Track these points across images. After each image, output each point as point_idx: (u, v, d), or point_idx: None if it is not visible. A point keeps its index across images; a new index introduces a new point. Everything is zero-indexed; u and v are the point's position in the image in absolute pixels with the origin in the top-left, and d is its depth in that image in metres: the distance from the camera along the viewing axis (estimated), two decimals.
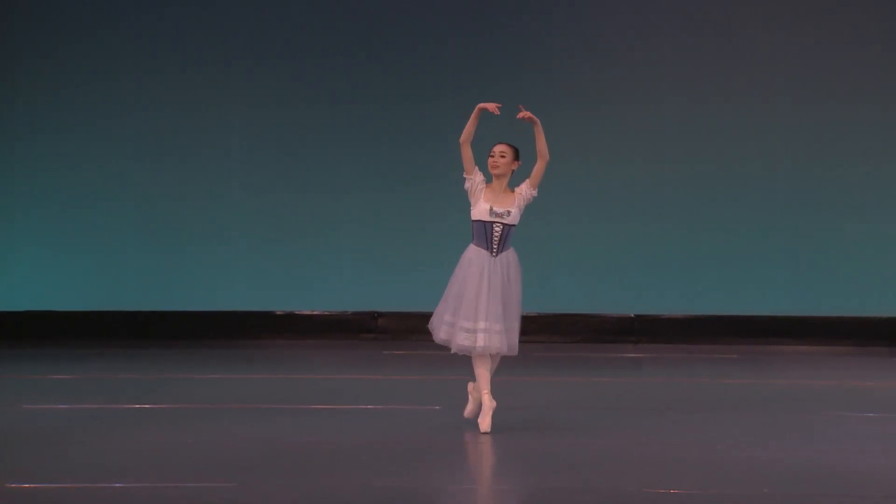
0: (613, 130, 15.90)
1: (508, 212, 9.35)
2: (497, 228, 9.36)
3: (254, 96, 16.11)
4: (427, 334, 16.69)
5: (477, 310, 9.35)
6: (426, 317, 16.49)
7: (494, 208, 9.35)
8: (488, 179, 9.49)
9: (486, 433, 9.36)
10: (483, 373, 9.48)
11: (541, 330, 16.03)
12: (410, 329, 16.27)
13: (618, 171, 15.85)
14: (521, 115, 9.44)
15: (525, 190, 9.45)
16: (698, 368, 14.03)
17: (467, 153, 9.40)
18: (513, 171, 9.45)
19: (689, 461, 8.59)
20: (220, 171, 16.20)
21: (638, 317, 16.09)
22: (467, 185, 9.44)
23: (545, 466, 8.50)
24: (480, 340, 9.36)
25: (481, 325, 9.35)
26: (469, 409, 9.77)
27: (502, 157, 9.40)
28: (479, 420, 9.50)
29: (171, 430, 9.60)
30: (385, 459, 8.68)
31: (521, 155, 9.49)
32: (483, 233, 9.39)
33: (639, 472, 8.30)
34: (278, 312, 16.29)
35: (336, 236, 16.20)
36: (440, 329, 9.55)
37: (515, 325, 9.50)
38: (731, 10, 15.81)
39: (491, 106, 9.29)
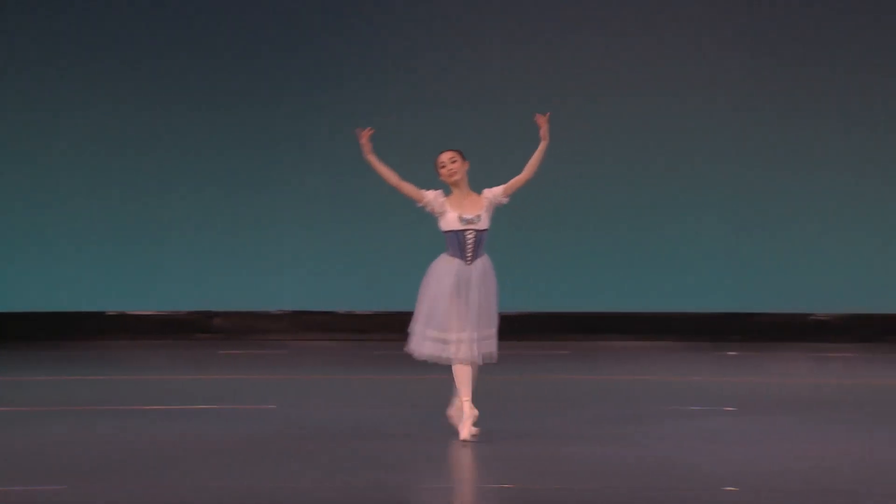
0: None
1: (478, 216, 9.21)
2: (469, 235, 9.22)
3: (80, 97, 15.97)
4: (263, 334, 16.61)
5: (452, 319, 9.20)
6: (262, 316, 16.56)
7: (464, 215, 9.21)
8: (447, 191, 9.32)
9: (465, 441, 9.16)
10: (464, 381, 9.28)
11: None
12: (246, 328, 16.27)
13: None
14: (541, 121, 9.35)
15: (497, 196, 9.31)
16: (532, 364, 14.21)
17: (406, 188, 9.23)
18: (466, 172, 9.32)
19: (527, 458, 8.74)
20: (47, 171, 16.05)
21: None
22: (427, 209, 9.29)
23: (389, 463, 8.61)
24: (458, 350, 9.20)
25: (454, 335, 9.20)
26: (452, 411, 9.54)
27: (453, 163, 9.26)
28: (459, 427, 9.28)
29: (1, 433, 9.49)
30: (220, 460, 8.67)
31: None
32: (456, 242, 9.24)
33: (473, 470, 8.49)
34: (109, 313, 16.17)
35: (170, 236, 16.12)
36: (423, 346, 9.32)
37: (493, 332, 9.31)
38: (623, 10, 16.07)
39: (363, 140, 9.20)
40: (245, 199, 16.15)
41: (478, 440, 9.18)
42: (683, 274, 16.01)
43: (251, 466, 8.46)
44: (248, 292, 16.13)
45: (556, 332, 15.98)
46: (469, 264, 9.23)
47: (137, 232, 16.13)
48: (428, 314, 9.28)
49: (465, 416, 9.23)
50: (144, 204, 16.12)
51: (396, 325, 16.14)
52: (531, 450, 8.97)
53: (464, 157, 9.30)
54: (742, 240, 16.00)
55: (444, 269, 9.25)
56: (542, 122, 9.35)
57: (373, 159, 9.23)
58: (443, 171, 9.28)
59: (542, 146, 9.36)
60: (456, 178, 9.23)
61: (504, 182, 9.33)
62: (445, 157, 9.29)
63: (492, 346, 9.28)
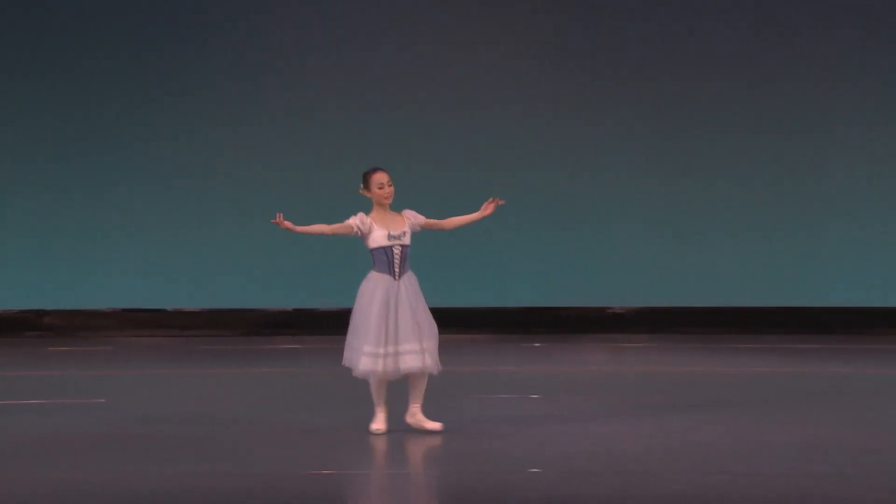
0: None
1: (404, 232, 9.36)
2: (397, 251, 9.34)
3: None
4: (92, 331, 16.54)
5: (386, 334, 9.29)
6: (93, 314, 16.45)
7: (391, 232, 9.33)
8: (367, 209, 9.44)
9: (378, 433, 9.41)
10: (379, 392, 9.46)
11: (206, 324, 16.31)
12: (76, 326, 16.25)
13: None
14: (491, 206, 9.60)
15: (417, 223, 9.47)
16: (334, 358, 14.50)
17: (338, 230, 9.37)
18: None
19: (347, 443, 9.08)
20: None
21: (296, 311, 16.49)
22: (358, 234, 9.38)
23: (214, 454, 8.92)
24: (385, 364, 9.29)
25: (382, 350, 9.28)
26: (408, 418, 9.65)
27: (391, 185, 9.41)
28: (424, 425, 9.51)
29: None
30: (51, 453, 8.76)
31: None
32: (385, 258, 9.35)
33: (301, 453, 8.81)
34: None
35: (0, 237, 16.06)
36: (359, 361, 9.36)
37: (433, 344, 9.43)
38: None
39: (284, 225, 9.32)
40: (75, 199, 16.12)
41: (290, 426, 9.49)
42: (490, 270, 16.30)
43: (82, 458, 8.58)
44: (77, 291, 16.09)
45: None
46: (397, 280, 9.35)
47: None
48: (361, 330, 9.31)
49: (376, 422, 9.44)
50: None
51: (222, 321, 16.42)
52: (345, 437, 9.26)
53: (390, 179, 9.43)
54: (547, 239, 16.34)
55: (374, 286, 9.35)
56: (491, 207, 9.62)
57: (301, 229, 9.34)
58: (380, 191, 9.37)
59: (475, 217, 9.63)
60: (390, 201, 9.40)
61: (427, 216, 9.52)
62: (384, 178, 9.40)
63: (424, 358, 9.35)
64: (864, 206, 16.20)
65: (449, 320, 16.35)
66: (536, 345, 15.23)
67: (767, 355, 14.42)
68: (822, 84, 16.22)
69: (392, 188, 9.43)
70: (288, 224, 9.35)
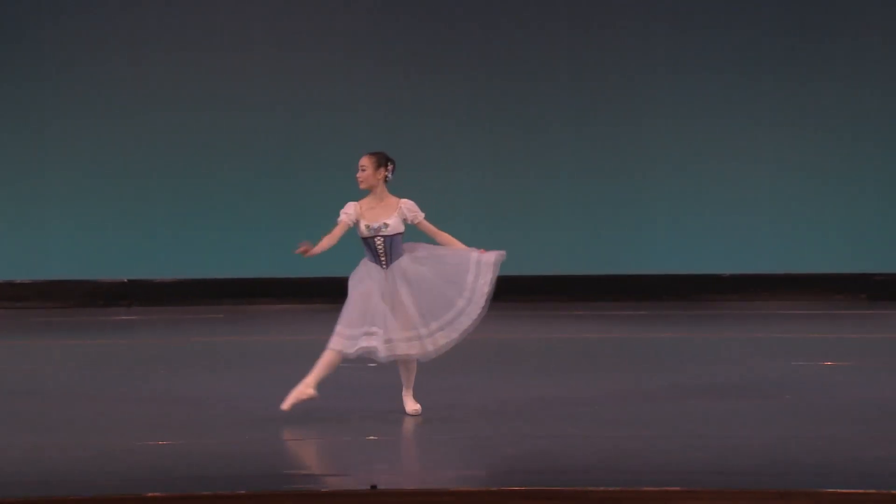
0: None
1: (385, 224, 9.10)
2: (379, 241, 9.10)
3: None
4: None
5: (373, 317, 9.01)
6: None
7: (371, 225, 9.09)
8: (364, 193, 9.20)
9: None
10: (321, 368, 9.08)
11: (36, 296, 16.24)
12: None
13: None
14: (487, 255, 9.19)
15: (412, 218, 9.18)
16: (189, 328, 14.49)
17: (338, 232, 9.12)
18: (383, 178, 9.18)
19: (185, 412, 9.23)
20: None
21: (131, 281, 16.47)
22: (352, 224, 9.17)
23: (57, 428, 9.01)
24: (368, 344, 9.02)
25: (358, 331, 9.03)
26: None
27: (363, 170, 9.14)
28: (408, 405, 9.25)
29: None
30: None
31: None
32: (370, 249, 9.13)
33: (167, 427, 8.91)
34: None
35: None
36: (351, 345, 9.06)
37: (447, 320, 9.11)
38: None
39: (306, 252, 9.02)
40: None
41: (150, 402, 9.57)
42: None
43: None
44: None
45: (213, 298, 16.18)
46: (386, 269, 9.12)
47: None
48: (353, 314, 9.04)
49: (299, 390, 9.02)
50: None
51: (56, 292, 16.33)
52: (176, 407, 9.41)
53: (380, 164, 9.16)
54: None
55: (363, 273, 9.14)
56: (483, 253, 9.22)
57: (317, 250, 9.06)
58: (357, 175, 9.20)
59: (466, 250, 9.19)
60: (362, 186, 9.17)
61: (429, 221, 9.18)
62: (360, 162, 9.19)
63: (423, 344, 9.09)
64: (683, 174, 16.63)
65: (287, 290, 16.69)
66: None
67: (595, 322, 14.85)
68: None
69: (363, 174, 9.13)
70: (308, 250, 9.05)
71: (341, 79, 16.38)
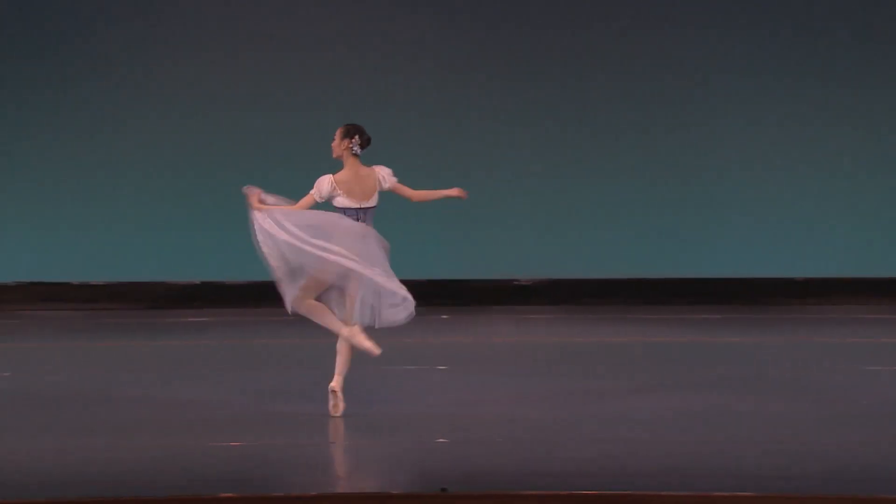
0: None
1: (372, 204, 9.38)
2: (351, 214, 9.34)
3: None
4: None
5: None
6: None
7: (362, 204, 9.32)
8: (338, 167, 9.36)
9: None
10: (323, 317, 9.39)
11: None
12: None
13: None
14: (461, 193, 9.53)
15: (387, 185, 9.40)
16: (253, 330, 14.36)
17: (305, 204, 9.32)
18: (348, 149, 9.34)
19: (240, 414, 9.21)
20: None
21: (203, 283, 16.52)
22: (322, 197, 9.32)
23: (116, 425, 8.99)
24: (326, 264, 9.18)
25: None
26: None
27: (332, 140, 9.38)
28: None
29: None
30: None
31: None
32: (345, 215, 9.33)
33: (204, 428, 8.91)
34: None
35: None
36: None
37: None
38: None
39: (255, 202, 9.24)
40: None
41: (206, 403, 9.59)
42: (396, 243, 16.40)
43: None
44: None
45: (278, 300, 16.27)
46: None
47: None
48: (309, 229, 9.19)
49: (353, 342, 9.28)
50: None
51: (128, 294, 16.42)
52: (232, 410, 9.38)
53: (345, 135, 9.35)
54: (449, 211, 15.98)
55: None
56: (458, 192, 9.59)
57: (269, 207, 9.24)
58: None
59: (446, 194, 9.60)
60: (333, 155, 9.34)
61: (400, 182, 9.44)
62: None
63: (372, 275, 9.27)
64: (759, 179, 16.50)
65: None
66: (444, 317, 15.41)
67: (668, 326, 14.68)
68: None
69: (333, 143, 9.34)
70: (258, 204, 9.25)
71: (388, 80, 16.38)
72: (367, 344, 9.29)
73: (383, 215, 15.97)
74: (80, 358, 12.57)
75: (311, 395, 9.91)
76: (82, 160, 16.30)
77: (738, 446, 8.34)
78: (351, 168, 9.37)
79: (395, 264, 16.04)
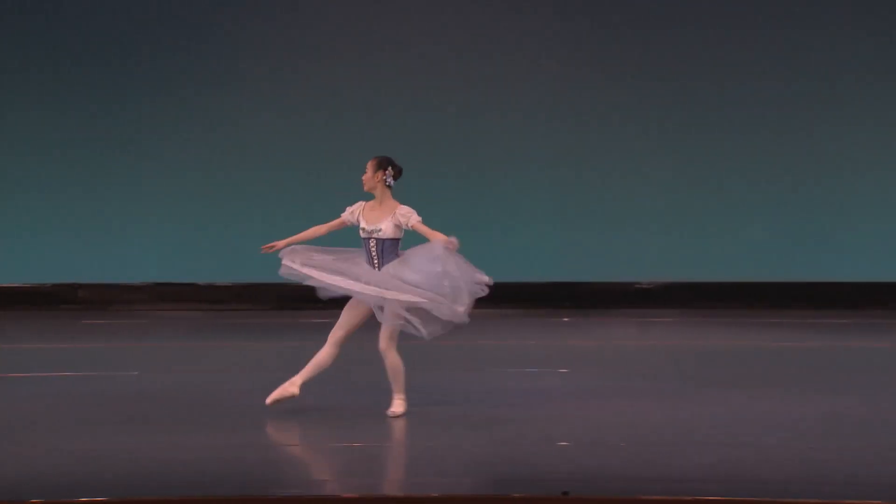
0: None
1: (379, 228, 9.26)
2: (372, 244, 9.27)
3: None
4: (125, 305, 16.54)
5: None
6: (126, 288, 16.55)
7: (366, 226, 9.29)
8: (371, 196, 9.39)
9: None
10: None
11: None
12: (110, 300, 16.33)
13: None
14: (451, 244, 9.29)
15: (405, 218, 9.30)
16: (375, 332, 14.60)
17: (333, 227, 9.44)
18: (382, 182, 9.35)
19: (362, 416, 9.21)
20: None
21: None
22: (350, 225, 9.44)
23: (242, 425, 9.04)
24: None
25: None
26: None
27: (364, 173, 9.38)
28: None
29: None
30: (84, 423, 8.90)
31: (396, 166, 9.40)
32: (366, 250, 9.33)
33: (329, 429, 8.90)
34: None
35: (38, 211, 16.16)
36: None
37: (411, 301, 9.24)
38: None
39: (273, 250, 9.47)
40: (109, 175, 16.21)
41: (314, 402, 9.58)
42: (520, 246, 16.32)
43: (113, 430, 8.72)
44: (111, 265, 16.19)
45: None
46: (377, 270, 9.26)
47: (5, 207, 16.18)
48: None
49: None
50: (12, 178, 16.18)
51: (252, 295, 16.52)
52: (380, 406, 9.33)
53: (378, 168, 9.34)
54: (572, 214, 16.42)
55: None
56: (451, 245, 9.28)
57: (293, 244, 9.40)
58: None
59: (430, 236, 9.27)
60: (364, 188, 9.38)
61: (422, 223, 9.28)
62: (366, 164, 9.41)
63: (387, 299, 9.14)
64: (888, 182, 16.26)
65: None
66: (565, 319, 15.28)
67: (793, 330, 14.50)
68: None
69: (365, 175, 9.34)
70: (280, 247, 9.43)
71: (512, 83, 16.41)
72: (275, 395, 9.29)
73: (503, 221, 16.12)
74: (205, 358, 12.65)
75: (432, 396, 9.91)
76: (209, 163, 16.44)
77: (865, 453, 8.20)
78: (378, 199, 9.38)
79: (518, 266, 16.22)
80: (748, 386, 10.58)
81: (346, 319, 9.42)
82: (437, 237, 9.24)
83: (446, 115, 16.38)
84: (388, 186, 9.39)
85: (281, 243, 9.46)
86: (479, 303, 17.14)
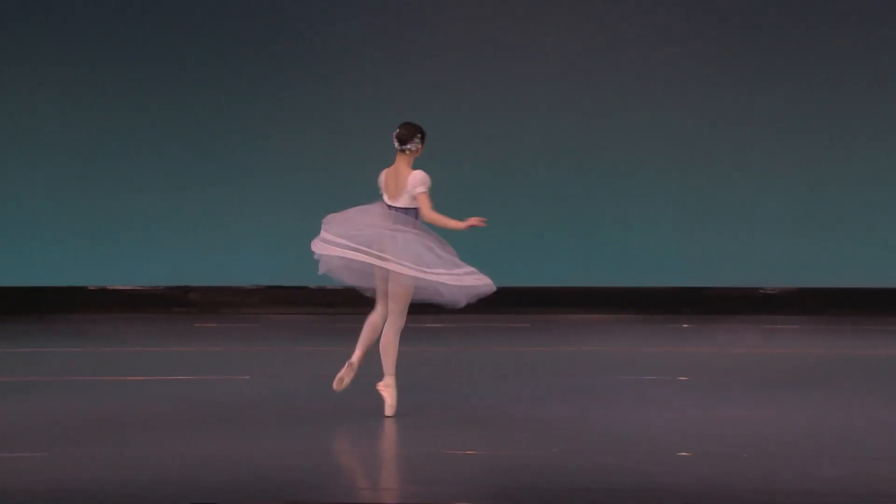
0: None
1: (397, 200, 9.41)
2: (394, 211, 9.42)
3: (53, 88, 16.16)
4: (237, 308, 16.65)
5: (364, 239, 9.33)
6: (238, 291, 16.68)
7: (388, 201, 9.47)
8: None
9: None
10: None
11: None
12: (221, 303, 16.40)
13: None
14: (477, 222, 9.49)
15: (412, 184, 9.39)
16: (492, 337, 14.44)
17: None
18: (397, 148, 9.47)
19: (480, 424, 9.10)
20: (31, 148, 16.18)
21: None
22: None
23: (351, 430, 9.02)
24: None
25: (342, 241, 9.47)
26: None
27: (417, 148, 9.56)
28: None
29: None
30: (196, 427, 8.93)
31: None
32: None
33: (433, 438, 8.81)
34: (91, 288, 16.30)
35: (149, 213, 16.23)
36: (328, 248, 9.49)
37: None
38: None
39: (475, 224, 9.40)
40: (221, 177, 16.28)
41: (446, 408, 9.55)
42: (638, 250, 16.12)
43: (225, 433, 8.75)
44: (223, 268, 16.22)
45: (516, 306, 16.01)
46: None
47: (118, 209, 16.22)
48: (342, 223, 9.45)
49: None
50: (125, 182, 16.24)
51: (365, 298, 16.48)
52: (496, 414, 9.30)
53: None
54: (693, 217, 16.21)
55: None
56: (473, 222, 9.44)
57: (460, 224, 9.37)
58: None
59: (452, 225, 9.41)
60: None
61: (425, 196, 9.37)
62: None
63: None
64: None
65: (591, 300, 16.60)
66: (684, 326, 15.21)
67: None
68: None
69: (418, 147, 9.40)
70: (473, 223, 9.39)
71: (648, 81, 16.23)
72: (386, 397, 9.35)
73: (619, 226, 16.06)
74: (317, 362, 12.62)
75: (547, 403, 9.79)
76: (323, 164, 16.43)
77: None
78: (396, 164, 9.43)
79: (635, 270, 16.11)
80: (879, 395, 10.31)
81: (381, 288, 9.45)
82: (443, 220, 9.31)
83: (570, 115, 16.22)
84: (400, 150, 9.48)
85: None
86: (595, 308, 17.02)
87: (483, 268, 16.02)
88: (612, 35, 16.28)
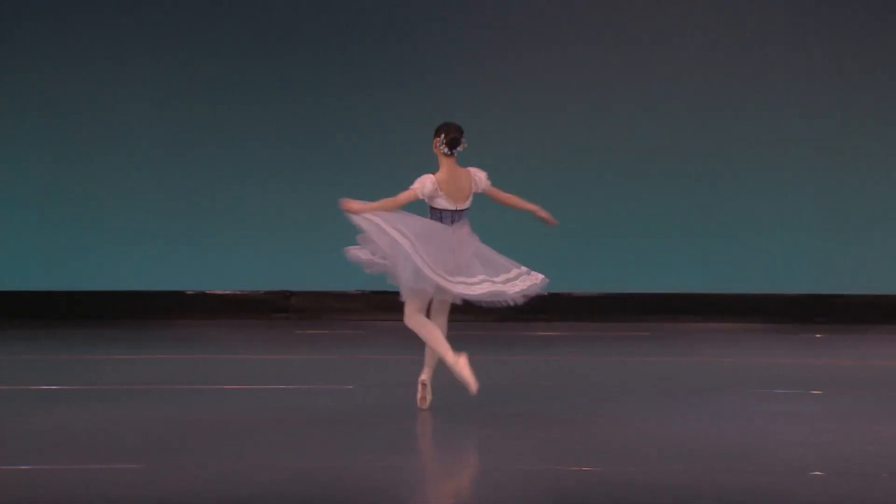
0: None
1: (467, 202, 9.52)
2: (447, 214, 9.51)
3: (138, 92, 16.14)
4: (339, 314, 16.66)
5: (443, 264, 9.43)
6: (339, 296, 16.64)
7: (458, 206, 9.48)
8: (435, 168, 9.53)
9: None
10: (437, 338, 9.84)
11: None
12: (323, 308, 16.39)
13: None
14: (546, 216, 9.70)
15: (480, 186, 9.52)
16: (611, 346, 14.23)
17: (403, 200, 9.57)
18: (438, 148, 9.54)
19: (600, 439, 8.81)
20: (129, 149, 16.17)
21: (551, 295, 16.29)
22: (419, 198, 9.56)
23: (463, 445, 8.80)
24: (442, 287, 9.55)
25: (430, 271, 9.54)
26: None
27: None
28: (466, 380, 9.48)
29: (78, 412, 9.62)
30: (296, 439, 8.81)
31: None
32: (439, 216, 9.52)
33: (553, 450, 8.50)
34: (189, 292, 16.37)
35: (249, 217, 16.26)
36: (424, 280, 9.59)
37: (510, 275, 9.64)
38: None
39: (347, 207, 9.72)
40: (323, 180, 16.21)
41: (560, 424, 9.26)
42: (768, 255, 15.98)
43: (327, 445, 8.62)
44: (324, 272, 16.11)
45: (638, 314, 15.97)
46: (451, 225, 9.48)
47: (216, 213, 16.27)
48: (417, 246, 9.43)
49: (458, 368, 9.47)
50: (224, 186, 16.27)
51: (469, 306, 16.23)
52: (618, 429, 9.08)
53: (435, 133, 9.55)
54: (827, 220, 16.03)
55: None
56: (544, 214, 9.67)
57: (364, 208, 9.63)
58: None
59: (533, 208, 9.65)
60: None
61: (495, 184, 9.56)
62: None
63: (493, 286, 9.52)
64: None
65: (717, 308, 16.31)
66: (817, 336, 14.95)
67: None
68: None
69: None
70: (353, 207, 9.65)
71: (769, 81, 16.08)
72: (467, 376, 9.48)
73: (747, 231, 15.80)
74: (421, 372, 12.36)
75: (670, 417, 9.50)
76: (425, 167, 16.20)
77: None
78: (447, 168, 9.50)
79: (764, 276, 15.90)
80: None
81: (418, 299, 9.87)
82: (521, 203, 9.63)
83: (698, 115, 16.10)
84: (446, 155, 9.52)
85: (354, 206, 9.61)
86: (721, 317, 17.01)
87: (599, 273, 16.02)
88: (740, 27, 16.09)
